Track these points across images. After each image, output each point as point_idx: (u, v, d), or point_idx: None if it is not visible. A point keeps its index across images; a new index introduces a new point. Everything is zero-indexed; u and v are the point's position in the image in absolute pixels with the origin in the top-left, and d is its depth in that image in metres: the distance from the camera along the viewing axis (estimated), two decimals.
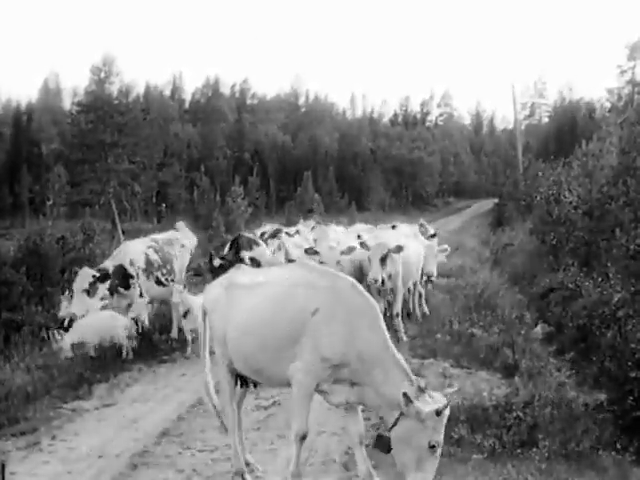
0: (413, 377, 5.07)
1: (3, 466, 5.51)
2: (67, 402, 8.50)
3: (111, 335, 10.14)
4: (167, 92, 74.45)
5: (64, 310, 10.78)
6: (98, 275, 10.54)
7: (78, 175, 43.72)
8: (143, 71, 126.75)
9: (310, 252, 11.19)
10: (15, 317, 13.09)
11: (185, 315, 10.51)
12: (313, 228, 14.98)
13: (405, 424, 4.85)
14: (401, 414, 4.87)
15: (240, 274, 6.20)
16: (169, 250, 11.87)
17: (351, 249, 11.23)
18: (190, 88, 78.77)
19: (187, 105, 74.28)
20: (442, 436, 4.85)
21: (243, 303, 5.72)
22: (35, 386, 8.62)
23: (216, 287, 6.22)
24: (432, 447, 4.78)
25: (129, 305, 10.99)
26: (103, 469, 6.49)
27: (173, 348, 11.08)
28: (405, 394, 4.77)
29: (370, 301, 5.36)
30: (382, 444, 5.07)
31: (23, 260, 15.62)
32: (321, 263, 9.95)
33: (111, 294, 10.75)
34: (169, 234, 12.73)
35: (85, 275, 10.46)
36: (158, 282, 11.45)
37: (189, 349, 10.61)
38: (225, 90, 75.65)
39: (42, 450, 7.00)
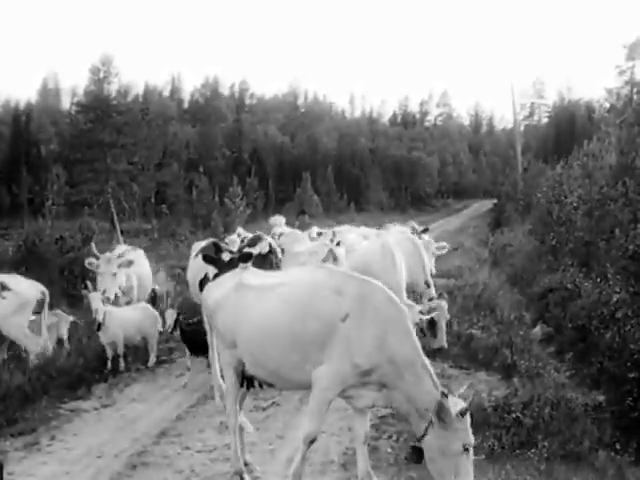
0: (437, 381, 5.04)
1: (1, 466, 5.50)
2: (66, 402, 8.49)
3: None
4: (166, 92, 74.60)
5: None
6: None
7: (77, 175, 43.56)
8: (142, 71, 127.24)
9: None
10: None
11: (99, 328, 9.67)
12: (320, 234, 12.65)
13: (436, 432, 4.80)
14: (430, 423, 4.83)
15: (250, 275, 6.08)
16: None
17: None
18: (189, 88, 79.06)
19: (186, 105, 74.27)
20: (472, 436, 4.84)
21: (259, 305, 5.57)
22: (33, 386, 8.58)
23: (221, 286, 6.08)
24: (466, 450, 4.76)
25: None
26: (101, 469, 6.48)
27: (171, 349, 11.06)
28: (443, 395, 4.80)
29: (399, 305, 5.26)
30: (416, 455, 5.02)
31: (22, 260, 15.60)
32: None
33: None
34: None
35: None
36: None
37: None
38: (224, 90, 75.85)
39: (40, 450, 6.99)
